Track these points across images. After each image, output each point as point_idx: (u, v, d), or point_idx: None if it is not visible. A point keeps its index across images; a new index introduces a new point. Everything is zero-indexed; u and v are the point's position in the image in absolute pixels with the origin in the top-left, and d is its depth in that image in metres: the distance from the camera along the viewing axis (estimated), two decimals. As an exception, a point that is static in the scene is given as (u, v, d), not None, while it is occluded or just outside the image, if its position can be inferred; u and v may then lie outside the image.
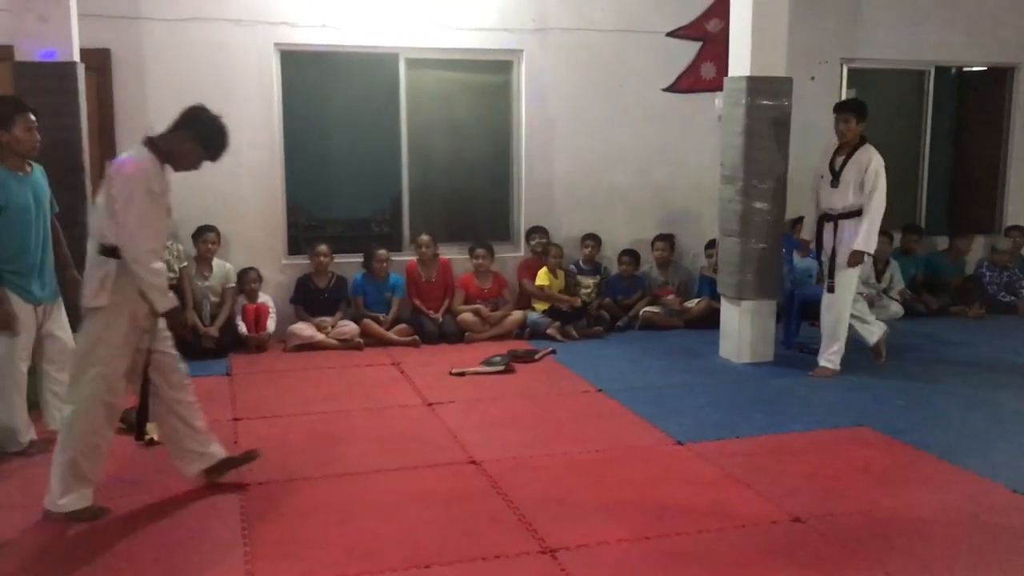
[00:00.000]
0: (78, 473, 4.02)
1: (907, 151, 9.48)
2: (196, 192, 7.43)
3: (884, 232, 8.75)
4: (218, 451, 4.46)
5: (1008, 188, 9.62)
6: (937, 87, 9.39)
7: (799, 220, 8.37)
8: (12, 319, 4.64)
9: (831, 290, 6.55)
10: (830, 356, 6.60)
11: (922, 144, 9.47)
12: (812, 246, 6.80)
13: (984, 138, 9.72)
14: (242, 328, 7.27)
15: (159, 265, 4.04)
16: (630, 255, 8.32)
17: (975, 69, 9.69)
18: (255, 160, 7.60)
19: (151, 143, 4.12)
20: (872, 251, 6.56)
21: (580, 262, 8.25)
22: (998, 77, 9.54)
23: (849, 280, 6.54)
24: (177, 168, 4.23)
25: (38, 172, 4.85)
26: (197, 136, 4.16)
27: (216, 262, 7.37)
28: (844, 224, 6.48)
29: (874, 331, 6.93)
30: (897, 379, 6.51)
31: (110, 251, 3.97)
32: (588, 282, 8.19)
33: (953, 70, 9.66)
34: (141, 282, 3.96)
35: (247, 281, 7.41)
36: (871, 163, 6.39)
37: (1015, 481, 4.47)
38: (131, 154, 4.08)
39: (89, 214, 4.26)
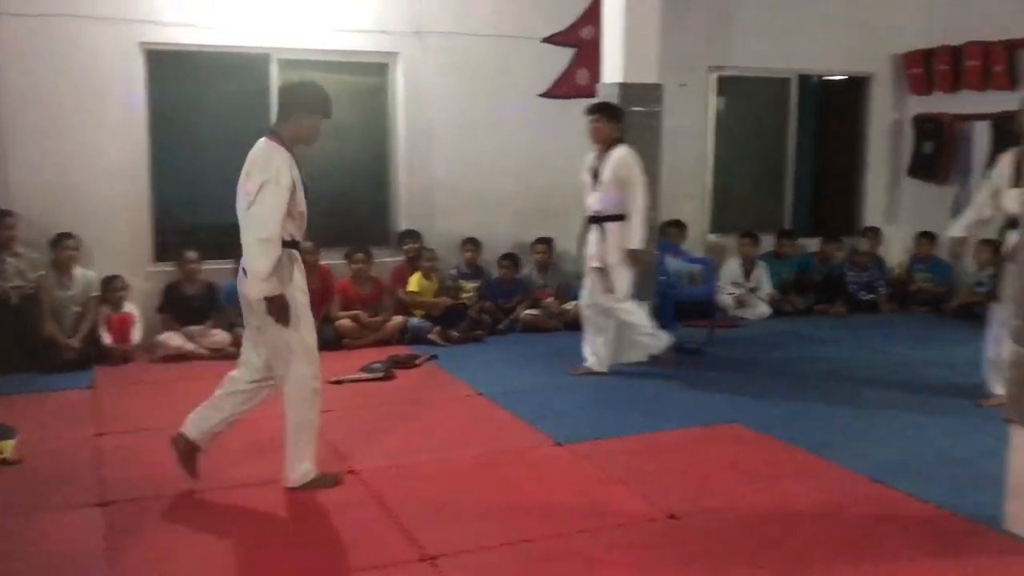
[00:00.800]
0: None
1: (774, 157, 9.87)
2: (55, 196, 7.11)
3: (749, 234, 9.11)
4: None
5: (866, 191, 10.11)
6: (801, 95, 9.80)
7: (671, 223, 8.61)
8: None
9: (610, 290, 6.50)
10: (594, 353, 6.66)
11: (787, 150, 9.86)
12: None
13: (844, 144, 10.20)
14: (106, 339, 6.95)
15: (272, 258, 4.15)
16: (510, 258, 8.36)
17: (835, 78, 10.15)
18: (119, 163, 7.29)
19: (274, 135, 4.42)
20: (642, 247, 6.39)
21: (461, 266, 8.23)
22: (856, 85, 10.01)
23: (625, 280, 6.48)
24: (310, 143, 4.57)
25: None
26: (311, 108, 4.46)
27: (78, 270, 7.03)
28: (609, 226, 6.41)
29: (657, 343, 6.71)
30: (766, 376, 6.74)
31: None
32: (469, 286, 8.19)
33: (815, 78, 10.10)
34: (249, 266, 4.16)
35: (112, 289, 7.09)
36: (623, 161, 6.32)
37: (877, 472, 4.68)
38: (261, 147, 4.35)
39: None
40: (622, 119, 6.49)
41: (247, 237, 4.21)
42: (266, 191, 4.19)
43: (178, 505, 4.26)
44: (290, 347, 4.33)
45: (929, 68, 9.47)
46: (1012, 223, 5.44)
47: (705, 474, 4.71)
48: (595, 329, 6.71)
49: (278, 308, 4.21)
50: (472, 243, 8.25)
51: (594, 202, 6.49)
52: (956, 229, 5.95)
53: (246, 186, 4.27)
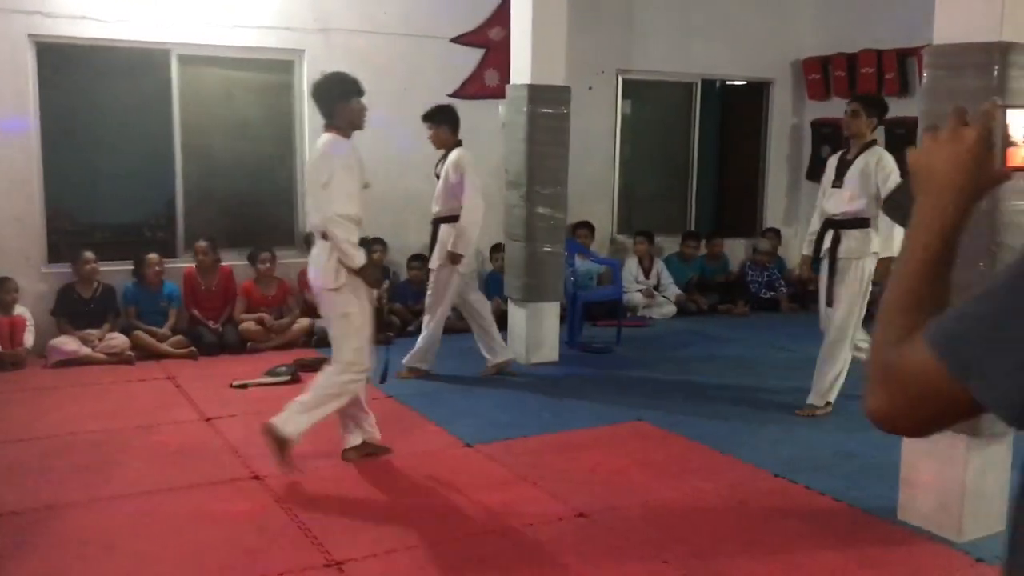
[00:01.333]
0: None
1: (678, 159, 10.05)
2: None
3: (642, 232, 9.24)
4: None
5: (766, 193, 10.37)
6: (704, 99, 10.00)
7: (581, 224, 8.68)
8: None
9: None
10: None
11: (691, 153, 10.04)
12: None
13: (745, 147, 10.45)
14: (-5, 344, 6.64)
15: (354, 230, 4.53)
16: (419, 259, 8.29)
17: (737, 83, 10.40)
18: (7, 160, 6.98)
19: (333, 128, 4.74)
20: (465, 252, 6.38)
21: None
22: (757, 90, 10.27)
23: (443, 282, 6.52)
24: (361, 127, 4.90)
25: None
26: (342, 96, 4.79)
27: (-37, 272, 6.70)
28: (442, 227, 6.49)
29: (498, 352, 6.71)
30: (672, 374, 6.85)
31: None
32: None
33: (717, 83, 10.33)
34: (335, 240, 4.44)
35: (2, 292, 6.77)
36: (456, 163, 6.42)
37: (778, 466, 4.80)
38: (327, 139, 4.66)
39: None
40: (457, 124, 6.61)
41: (329, 214, 4.49)
42: (338, 175, 4.53)
43: (73, 516, 4.09)
44: (340, 340, 4.67)
45: (826, 74, 9.77)
46: (828, 223, 5.61)
47: (613, 472, 4.76)
48: (475, 327, 6.73)
49: (370, 274, 4.69)
50: (379, 243, 8.15)
51: (433, 203, 6.59)
52: (805, 247, 5.95)
53: (319, 176, 4.59)
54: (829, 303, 5.58)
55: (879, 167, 5.42)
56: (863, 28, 9.32)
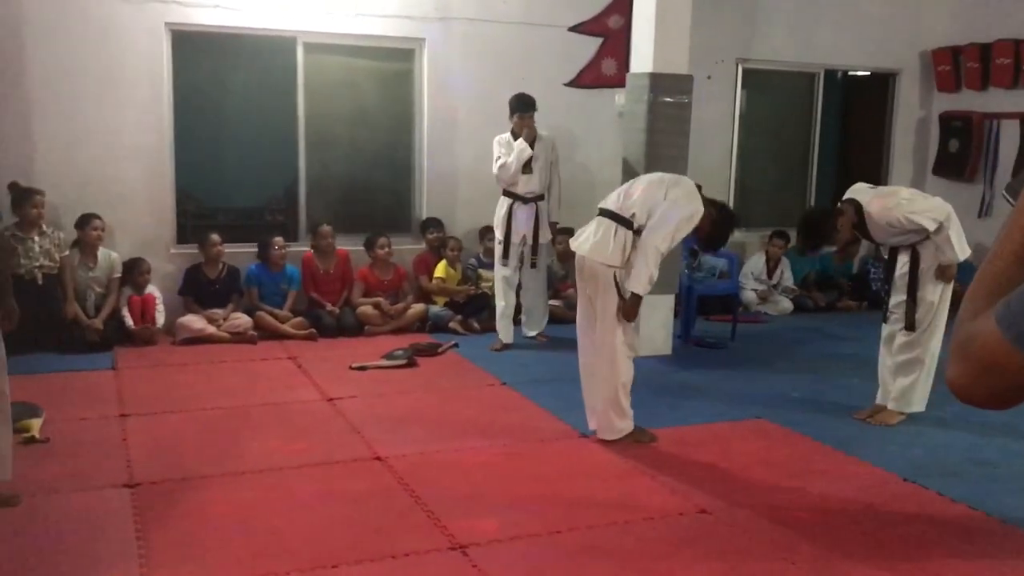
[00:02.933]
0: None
1: (798, 152, 9.79)
2: (79, 178, 7.10)
3: (779, 233, 9.03)
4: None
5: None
6: (826, 90, 9.71)
7: None
8: None
9: (534, 266, 7.24)
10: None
11: (811, 145, 9.77)
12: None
13: (868, 141, 10.11)
14: (128, 320, 6.94)
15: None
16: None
17: (860, 73, 10.07)
18: (143, 145, 7.26)
19: None
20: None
21: (481, 255, 8.18)
22: (882, 81, 9.92)
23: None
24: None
25: None
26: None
27: (101, 251, 7.00)
28: (540, 205, 7.14)
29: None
30: (790, 372, 6.69)
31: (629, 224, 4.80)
32: (489, 275, 8.13)
33: (840, 74, 10.01)
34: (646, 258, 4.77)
35: (136, 272, 7.07)
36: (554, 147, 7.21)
37: (906, 470, 4.64)
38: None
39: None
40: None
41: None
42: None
43: (206, 488, 4.24)
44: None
45: (957, 65, 9.37)
46: None
47: (734, 469, 4.68)
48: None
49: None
50: (489, 231, 8.18)
51: (533, 184, 7.11)
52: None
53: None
54: None
55: None
56: (998, 17, 8.90)
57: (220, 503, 4.08)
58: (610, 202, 4.94)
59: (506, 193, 7.11)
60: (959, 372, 1.13)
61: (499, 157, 7.00)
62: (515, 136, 7.02)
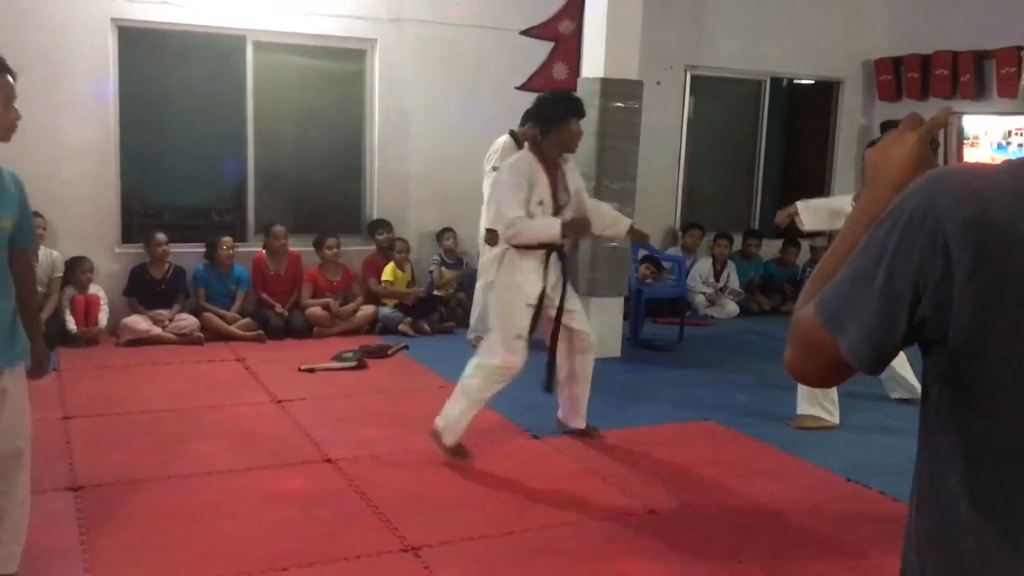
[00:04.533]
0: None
1: (744, 158, 9.94)
2: (20, 175, 6.91)
3: (723, 235, 9.18)
4: None
5: (833, 195, 10.20)
6: (771, 97, 9.88)
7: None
8: None
9: None
10: None
11: (757, 151, 9.93)
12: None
13: (812, 148, 10.31)
14: (70, 322, 6.79)
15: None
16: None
17: (805, 82, 10.26)
18: (86, 142, 7.12)
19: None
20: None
21: (443, 255, 8.13)
22: (825, 90, 10.13)
23: None
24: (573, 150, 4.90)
25: (7, 177, 3.15)
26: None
27: (42, 250, 6.82)
28: None
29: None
30: (737, 374, 6.79)
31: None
32: (450, 275, 8.09)
33: (785, 82, 10.20)
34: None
35: (79, 271, 6.92)
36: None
37: (849, 470, 4.74)
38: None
39: None
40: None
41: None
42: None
43: (152, 491, 4.17)
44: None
45: (898, 75, 9.60)
46: None
47: (682, 470, 4.74)
48: None
49: None
50: (451, 232, 8.16)
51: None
52: None
53: None
54: None
55: None
56: (938, 29, 9.15)
57: (167, 506, 4.02)
58: None
59: None
60: (790, 354, 1.24)
61: (496, 167, 6.46)
62: (518, 142, 6.56)
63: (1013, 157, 1.23)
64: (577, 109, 4.78)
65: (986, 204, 1.04)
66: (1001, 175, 1.08)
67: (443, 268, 8.09)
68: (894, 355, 1.16)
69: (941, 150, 5.34)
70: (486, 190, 6.93)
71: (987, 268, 1.03)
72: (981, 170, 1.11)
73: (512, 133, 6.94)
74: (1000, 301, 1.04)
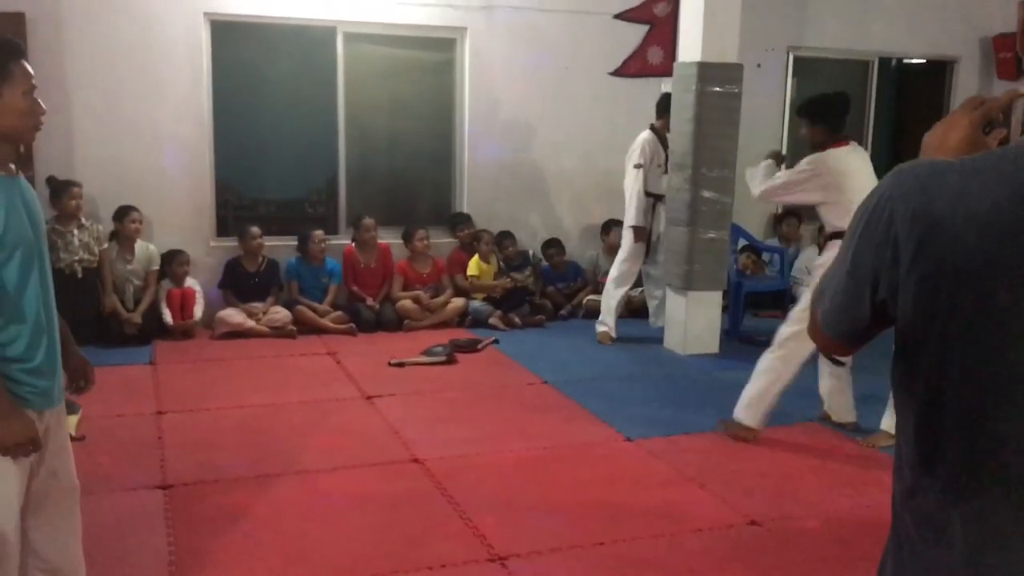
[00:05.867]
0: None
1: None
2: (117, 169, 7.05)
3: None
4: None
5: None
6: (879, 78, 9.38)
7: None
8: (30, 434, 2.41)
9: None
10: None
11: (865, 135, 9.45)
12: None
13: (923, 131, 9.65)
14: (167, 315, 6.88)
15: None
16: (554, 245, 8.10)
17: (915, 61, 9.72)
18: (182, 136, 7.19)
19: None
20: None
21: (501, 263, 7.88)
22: (938, 70, 9.57)
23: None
24: None
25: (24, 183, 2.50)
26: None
27: (139, 244, 6.95)
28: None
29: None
30: (843, 372, 6.43)
31: None
32: (519, 277, 7.88)
33: (894, 62, 9.68)
34: None
35: (175, 264, 7.01)
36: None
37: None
38: None
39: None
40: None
41: None
42: None
43: (240, 490, 4.14)
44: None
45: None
46: None
47: (785, 476, 4.48)
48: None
49: None
50: (508, 237, 7.94)
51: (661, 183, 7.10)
52: None
53: None
54: None
55: None
56: (1018, 3, 8.51)
57: (254, 507, 3.98)
58: None
59: (648, 193, 7.11)
60: (809, 325, 1.42)
61: (639, 164, 7.08)
62: (659, 136, 7.14)
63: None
64: None
65: (931, 199, 1.14)
66: (952, 172, 1.15)
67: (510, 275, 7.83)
68: (870, 331, 1.26)
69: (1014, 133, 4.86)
70: (628, 187, 7.13)
71: (927, 257, 1.13)
72: (938, 166, 1.18)
73: (652, 128, 7.16)
74: (938, 287, 1.13)
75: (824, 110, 5.06)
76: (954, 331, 1.14)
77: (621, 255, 7.21)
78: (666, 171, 7.01)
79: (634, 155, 7.08)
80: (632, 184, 7.06)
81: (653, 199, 7.13)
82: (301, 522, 3.84)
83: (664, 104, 7.09)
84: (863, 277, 1.20)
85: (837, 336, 1.30)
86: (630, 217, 7.07)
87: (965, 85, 9.48)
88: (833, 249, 4.80)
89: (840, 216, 4.72)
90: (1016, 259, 1.10)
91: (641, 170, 7.03)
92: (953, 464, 1.19)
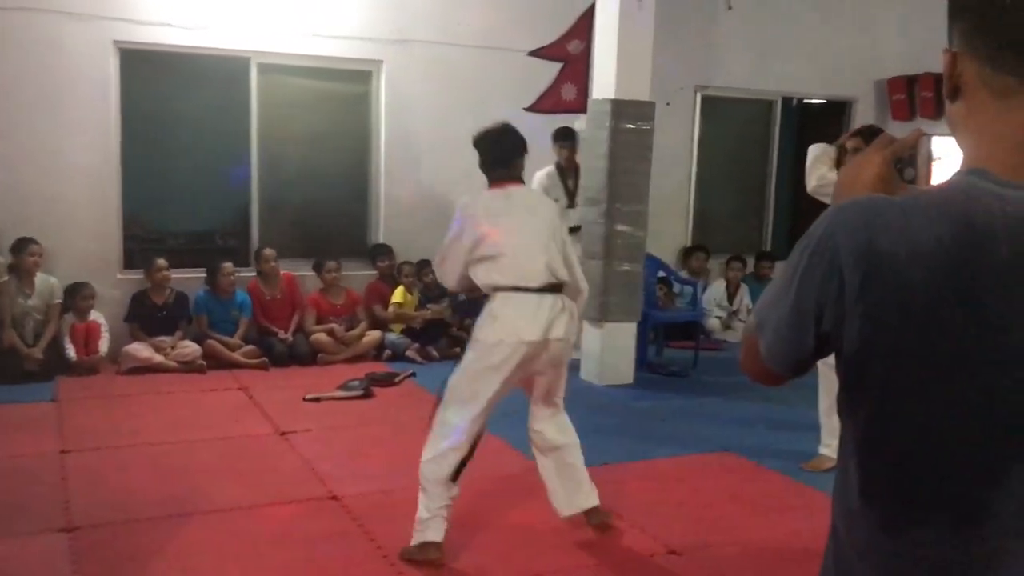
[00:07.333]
0: None
1: (755, 179, 9.79)
2: (17, 199, 6.81)
3: (737, 257, 9.02)
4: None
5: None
6: (782, 117, 9.73)
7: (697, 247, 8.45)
8: None
9: None
10: None
11: (769, 172, 9.78)
12: None
13: (824, 168, 10.12)
14: (70, 350, 6.63)
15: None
16: None
17: (816, 101, 10.12)
18: (87, 165, 6.99)
19: None
20: None
21: (420, 291, 7.90)
22: (837, 109, 9.98)
23: None
24: None
25: None
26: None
27: (39, 277, 6.70)
28: None
29: None
30: (754, 402, 6.58)
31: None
32: (438, 308, 7.87)
33: (795, 101, 10.05)
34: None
35: (79, 298, 6.78)
36: None
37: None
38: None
39: None
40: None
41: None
42: None
43: (151, 531, 3.99)
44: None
45: (911, 95, 9.46)
46: None
47: (703, 506, 4.55)
48: None
49: None
50: (428, 265, 7.91)
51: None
52: None
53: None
54: None
55: None
56: (943, 50, 8.98)
57: (166, 548, 3.84)
58: (540, 274, 3.86)
59: None
60: (741, 355, 1.38)
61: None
62: (559, 170, 7.29)
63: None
64: None
65: (874, 236, 1.15)
66: (894, 209, 1.17)
67: (428, 305, 7.80)
68: (810, 362, 1.28)
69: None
70: None
71: (871, 292, 1.16)
72: (880, 202, 1.20)
73: (557, 164, 7.45)
74: (882, 321, 1.16)
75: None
76: (897, 365, 1.17)
77: None
78: (571, 204, 7.08)
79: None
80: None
81: None
82: (216, 563, 3.73)
83: (559, 135, 7.30)
84: (807, 311, 1.22)
85: (779, 367, 1.31)
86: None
87: (862, 124, 9.89)
88: None
89: None
90: (959, 296, 1.13)
91: None
92: (894, 494, 1.21)
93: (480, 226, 3.84)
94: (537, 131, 8.22)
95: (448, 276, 4.04)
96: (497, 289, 3.81)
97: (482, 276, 3.88)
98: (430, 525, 3.74)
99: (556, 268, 3.84)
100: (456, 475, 3.79)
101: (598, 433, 5.67)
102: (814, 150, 5.23)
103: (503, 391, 3.84)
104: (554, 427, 4.09)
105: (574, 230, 7.17)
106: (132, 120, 7.22)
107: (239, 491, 4.49)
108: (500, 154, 4.06)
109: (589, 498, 4.04)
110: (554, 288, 3.82)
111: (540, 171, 7.23)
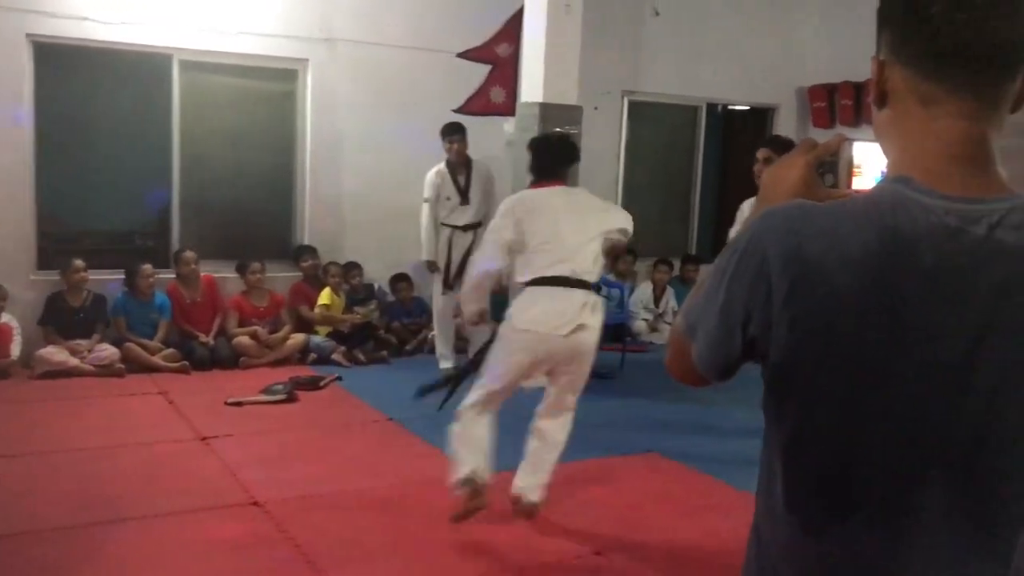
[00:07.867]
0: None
1: (681, 183, 9.93)
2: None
3: (663, 260, 9.14)
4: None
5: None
6: (707, 123, 9.90)
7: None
8: None
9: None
10: None
11: (694, 177, 9.94)
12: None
13: (747, 173, 10.30)
14: (-20, 353, 6.40)
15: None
16: (405, 279, 8.08)
17: (740, 108, 10.31)
18: (0, 163, 6.74)
19: None
20: None
21: (347, 293, 7.81)
22: (760, 116, 10.19)
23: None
24: None
25: None
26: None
27: (-51, 277, 6.45)
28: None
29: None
30: (679, 403, 6.66)
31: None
32: (363, 311, 7.80)
33: (720, 107, 10.23)
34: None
35: (-12, 299, 6.54)
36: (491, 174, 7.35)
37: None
38: None
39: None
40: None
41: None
42: None
43: (66, 541, 3.87)
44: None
45: (832, 103, 9.70)
46: None
47: (628, 507, 4.60)
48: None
49: None
50: (355, 267, 7.88)
51: (461, 215, 7.16)
52: None
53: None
54: None
55: None
56: (870, 57, 9.25)
57: (81, 558, 3.73)
58: (565, 266, 4.09)
59: (444, 224, 7.13)
60: (667, 357, 1.38)
61: (427, 199, 7.16)
62: (449, 167, 7.18)
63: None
64: None
65: (802, 241, 1.15)
66: (823, 215, 1.18)
67: (355, 308, 7.73)
68: (738, 365, 1.27)
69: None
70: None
71: (799, 297, 1.16)
72: (808, 208, 1.20)
73: (447, 161, 7.29)
74: (808, 326, 1.16)
75: None
76: (823, 371, 1.17)
77: (435, 290, 7.31)
78: (464, 202, 7.13)
79: (424, 190, 7.19)
80: (423, 219, 7.18)
81: (450, 230, 7.17)
82: (135, 573, 3.63)
83: (447, 130, 7.16)
84: (735, 315, 1.22)
85: (707, 370, 1.30)
86: (423, 252, 7.21)
87: (784, 130, 10.08)
88: None
89: None
90: (884, 303, 1.13)
91: (427, 204, 7.13)
92: (818, 497, 1.22)
93: (521, 221, 4.11)
94: (467, 132, 8.26)
95: (481, 265, 4.28)
96: (531, 281, 4.06)
97: (518, 267, 4.15)
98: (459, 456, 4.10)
99: (585, 266, 4.12)
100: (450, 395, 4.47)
101: (524, 435, 5.67)
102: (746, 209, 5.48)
103: (530, 371, 4.24)
104: (557, 425, 4.37)
105: (469, 228, 7.16)
106: (48, 117, 7.00)
107: (159, 498, 4.38)
108: (553, 160, 4.40)
109: (533, 492, 4.21)
110: (583, 284, 4.09)
111: (430, 170, 7.19)
